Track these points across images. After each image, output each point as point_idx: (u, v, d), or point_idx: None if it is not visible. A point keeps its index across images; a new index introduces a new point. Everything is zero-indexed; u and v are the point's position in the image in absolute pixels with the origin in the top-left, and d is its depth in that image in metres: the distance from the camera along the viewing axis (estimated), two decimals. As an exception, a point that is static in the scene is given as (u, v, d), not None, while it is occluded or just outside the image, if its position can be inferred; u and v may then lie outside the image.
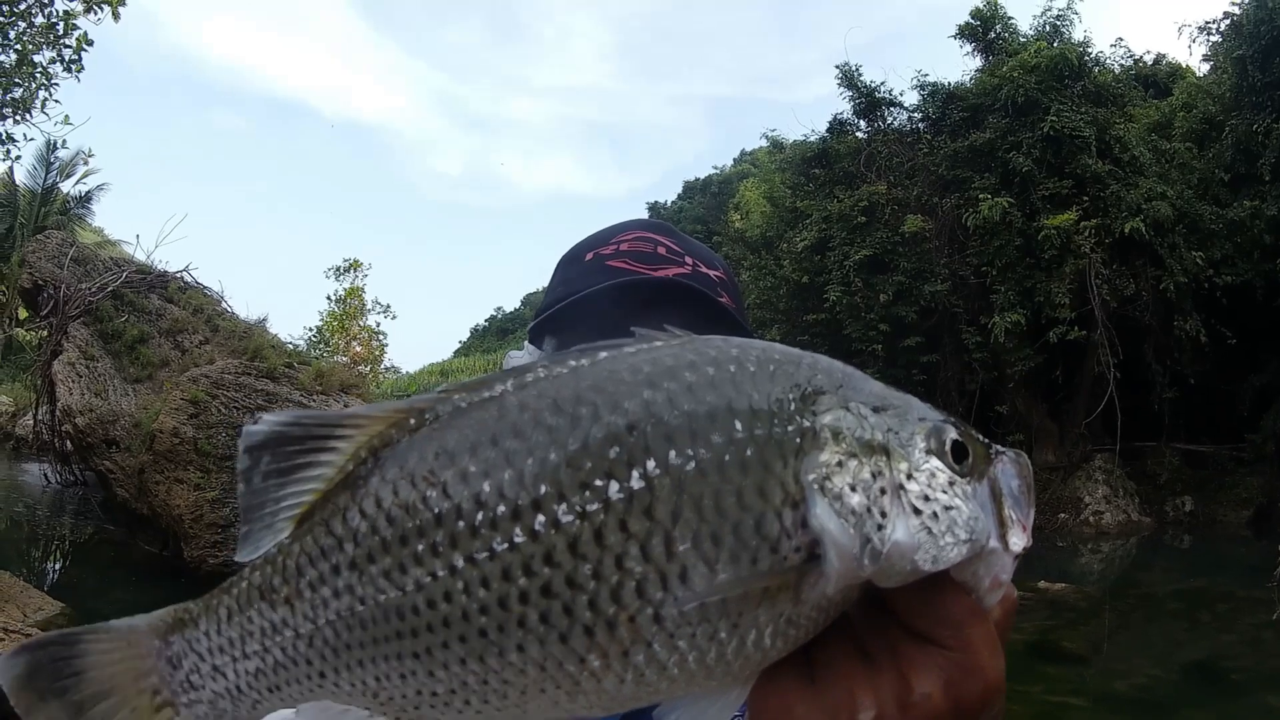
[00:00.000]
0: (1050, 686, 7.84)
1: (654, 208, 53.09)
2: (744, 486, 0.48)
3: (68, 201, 31.32)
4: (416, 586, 0.50)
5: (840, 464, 0.50)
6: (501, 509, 0.49)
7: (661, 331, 0.56)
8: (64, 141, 28.07)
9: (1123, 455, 18.51)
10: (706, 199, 45.85)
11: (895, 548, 0.49)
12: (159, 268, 14.65)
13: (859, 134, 22.59)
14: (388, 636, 0.51)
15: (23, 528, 12.32)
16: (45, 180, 30.02)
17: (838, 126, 22.72)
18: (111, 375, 13.69)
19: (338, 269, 33.35)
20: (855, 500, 0.49)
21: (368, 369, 29.89)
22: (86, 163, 30.62)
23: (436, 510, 0.50)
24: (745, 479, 0.49)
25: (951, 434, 0.53)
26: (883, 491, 0.50)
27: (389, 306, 34.11)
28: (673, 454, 0.48)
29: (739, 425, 0.50)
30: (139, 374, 13.54)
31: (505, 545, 0.48)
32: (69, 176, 30.84)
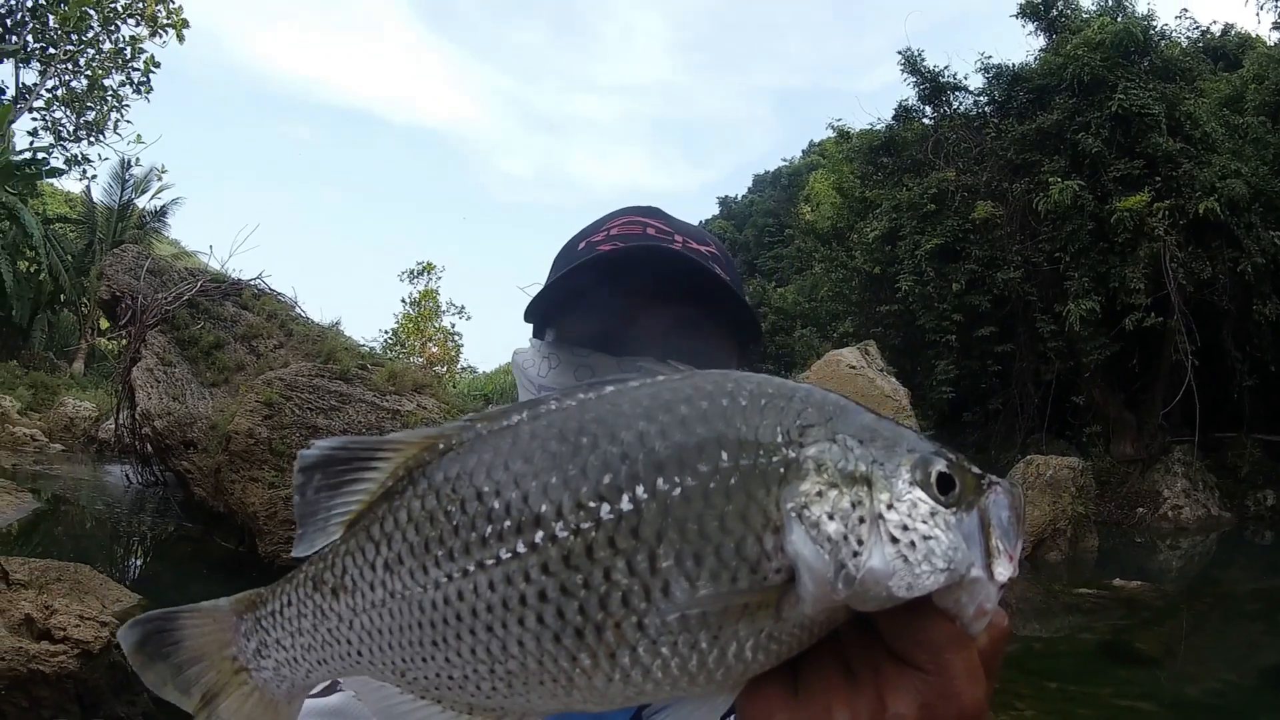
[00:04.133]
0: (1120, 689, 7.55)
1: (725, 202, 52.70)
2: (727, 512, 0.53)
3: (144, 216, 32.55)
4: (435, 585, 0.57)
5: (820, 493, 0.53)
6: (507, 523, 0.56)
7: (664, 364, 0.61)
8: (137, 159, 29.49)
9: (1202, 447, 17.77)
10: (777, 192, 45.34)
11: (870, 574, 0.51)
12: (233, 276, 15.14)
13: (925, 120, 22.24)
14: (412, 625, 0.59)
15: (105, 526, 12.93)
16: (121, 197, 31.31)
17: (903, 114, 22.40)
18: (189, 380, 14.24)
19: (411, 272, 34.19)
20: (832, 528, 0.52)
21: (444, 369, 30.52)
22: (160, 179, 32.21)
23: (454, 522, 0.58)
24: (728, 505, 0.53)
25: (938, 466, 0.55)
26: (861, 520, 0.53)
27: (463, 308, 34.75)
28: (660, 480, 0.54)
29: (725, 455, 0.54)
30: (215, 378, 14.05)
31: (509, 554, 0.55)
32: (144, 192, 32.20)
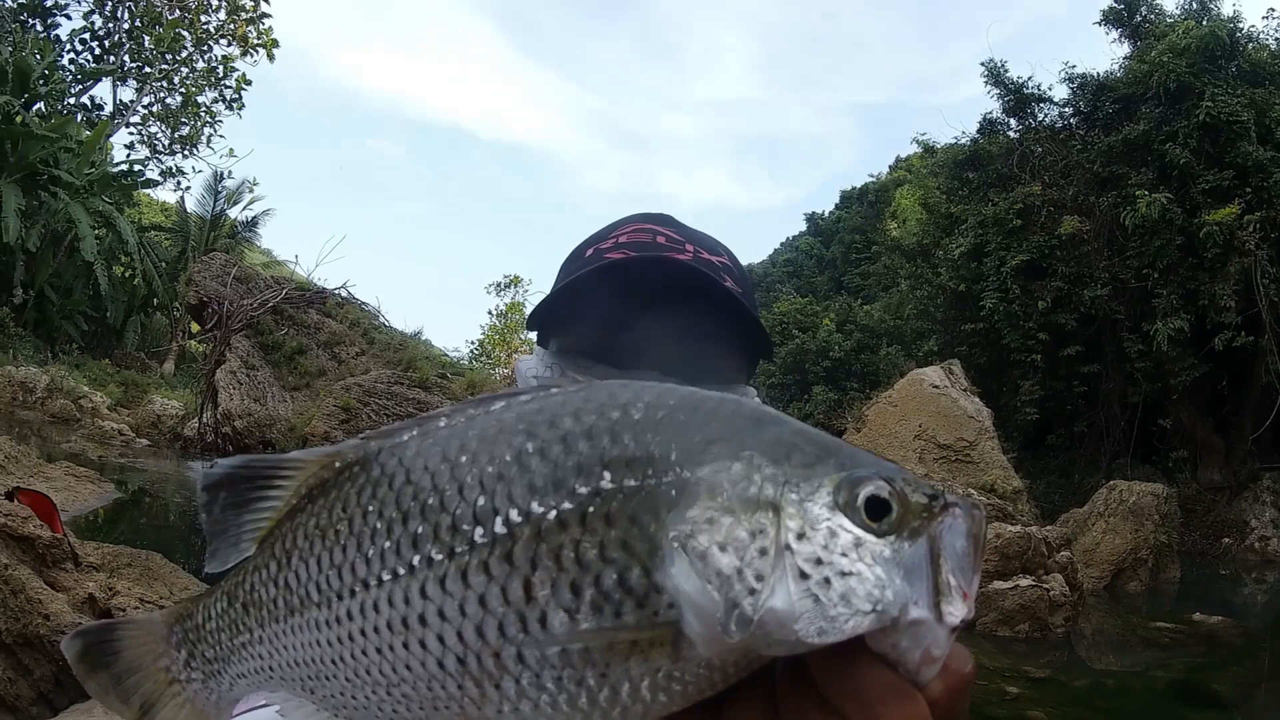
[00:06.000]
0: (1190, 733, 7.15)
1: (812, 218, 52.05)
2: (608, 539, 0.48)
3: (236, 226, 34.22)
4: (328, 604, 0.56)
5: (711, 520, 0.47)
6: (387, 544, 0.54)
7: (564, 378, 0.59)
8: (230, 172, 31.02)
9: (1292, 475, 16.78)
10: (864, 208, 44.42)
11: (771, 615, 0.45)
12: (318, 285, 15.64)
13: (1010, 133, 21.76)
14: (311, 643, 0.58)
15: (186, 518, 13.54)
16: (214, 208, 32.93)
17: (988, 126, 21.98)
18: (270, 383, 14.86)
19: (498, 285, 35.07)
20: (723, 561, 0.46)
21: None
22: (252, 190, 33.96)
23: (342, 542, 0.56)
24: (610, 531, 0.48)
25: (868, 488, 0.47)
26: (762, 552, 0.46)
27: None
28: (534, 503, 0.50)
29: (608, 476, 0.49)
30: (297, 382, 14.65)
31: (390, 576, 0.53)
32: (236, 203, 33.90)
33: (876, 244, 29.71)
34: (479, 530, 0.51)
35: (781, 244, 54.51)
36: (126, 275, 28.07)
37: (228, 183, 32.98)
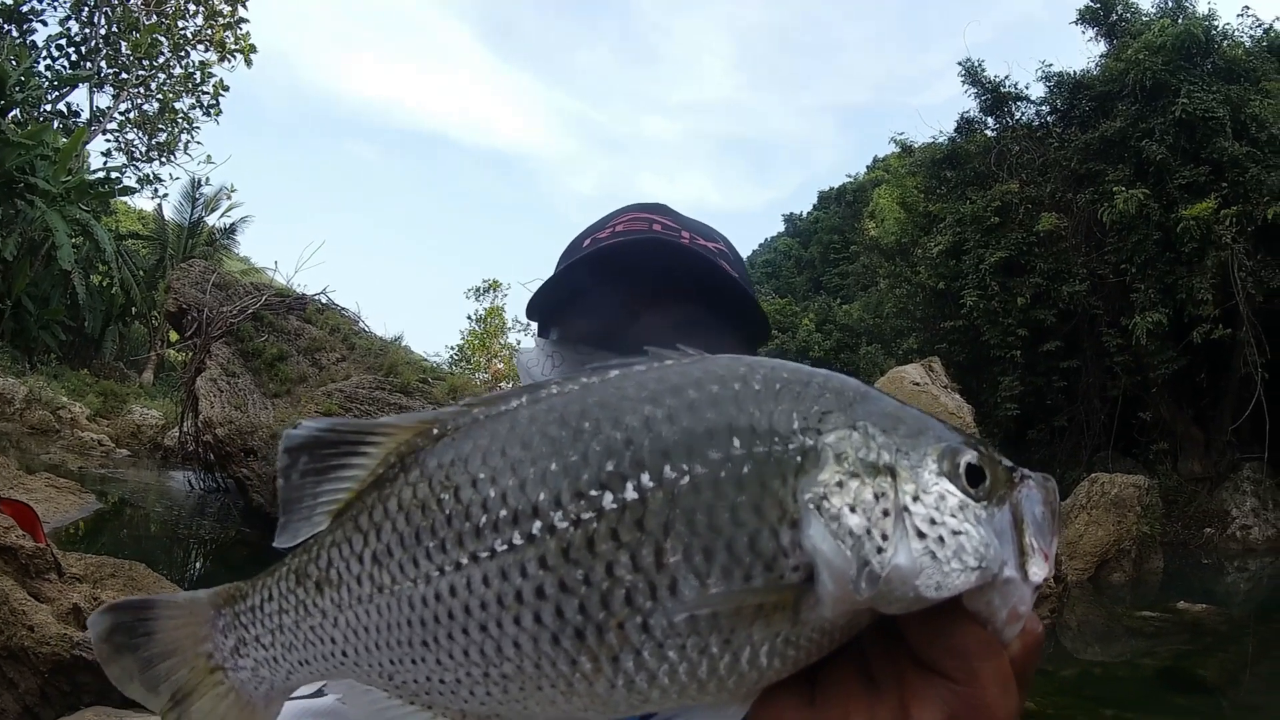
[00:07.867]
0: (1179, 718, 7.22)
1: (790, 219, 52.32)
2: (739, 503, 0.49)
3: (214, 233, 33.95)
4: (425, 580, 0.53)
5: (840, 484, 0.49)
6: (503, 513, 0.52)
7: (672, 350, 0.57)
8: (207, 179, 30.77)
9: (1272, 464, 17.04)
10: (841, 208, 44.73)
11: (896, 572, 0.47)
12: (298, 291, 15.51)
13: (988, 132, 21.99)
14: (400, 624, 0.54)
15: (167, 528, 13.39)
16: (191, 215, 32.64)
17: (965, 125, 22.19)
18: (251, 390, 14.69)
19: (477, 290, 35.07)
20: (854, 521, 0.48)
21: (509, 385, 31.18)
22: (230, 198, 33.70)
23: (447, 511, 0.54)
24: (740, 495, 0.49)
25: (967, 456, 0.51)
26: (885, 513, 0.48)
27: (529, 324, 35.73)
28: (667, 468, 0.50)
29: (737, 442, 0.50)
30: (278, 389, 14.47)
31: (505, 547, 0.51)
32: (214, 211, 33.64)
33: (855, 244, 29.99)
34: (608, 496, 0.50)
35: (760, 245, 54.77)
36: (104, 284, 27.77)
37: (205, 190, 32.75)
